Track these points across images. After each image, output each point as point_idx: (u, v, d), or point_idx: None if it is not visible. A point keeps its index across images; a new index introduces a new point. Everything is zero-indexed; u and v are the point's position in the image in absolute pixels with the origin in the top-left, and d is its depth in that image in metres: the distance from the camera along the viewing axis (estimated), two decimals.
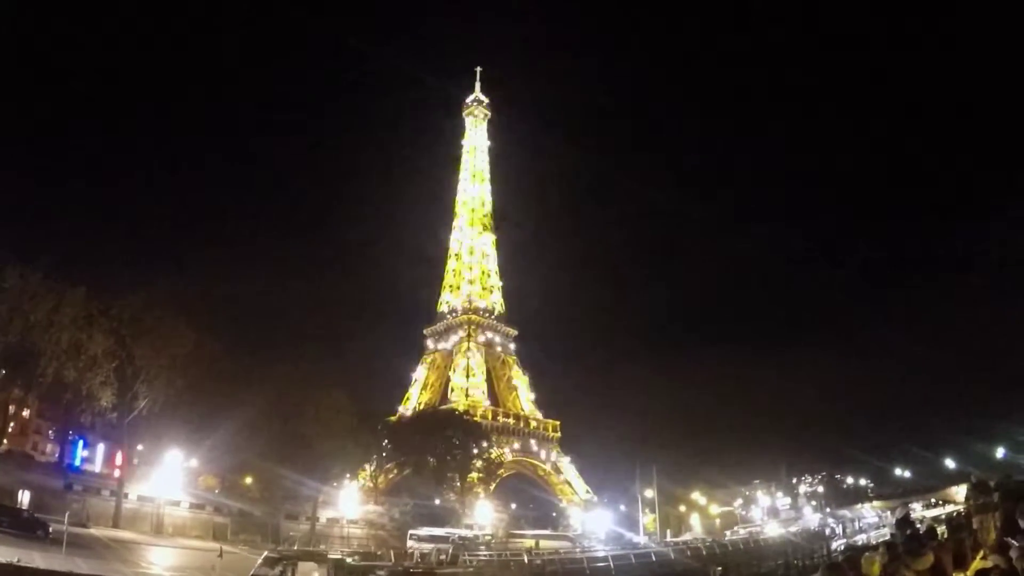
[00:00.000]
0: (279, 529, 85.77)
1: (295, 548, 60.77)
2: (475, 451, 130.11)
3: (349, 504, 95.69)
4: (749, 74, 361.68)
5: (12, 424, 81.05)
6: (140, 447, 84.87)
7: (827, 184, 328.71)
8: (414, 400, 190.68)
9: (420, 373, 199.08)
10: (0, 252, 67.73)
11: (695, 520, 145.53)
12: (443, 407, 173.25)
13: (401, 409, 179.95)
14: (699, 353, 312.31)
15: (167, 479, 77.83)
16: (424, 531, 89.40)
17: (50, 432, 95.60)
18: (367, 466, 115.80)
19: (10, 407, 75.83)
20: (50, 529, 52.83)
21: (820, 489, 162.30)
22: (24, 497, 65.38)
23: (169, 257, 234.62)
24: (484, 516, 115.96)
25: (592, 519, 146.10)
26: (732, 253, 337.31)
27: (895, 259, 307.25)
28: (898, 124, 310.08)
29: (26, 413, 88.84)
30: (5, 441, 76.63)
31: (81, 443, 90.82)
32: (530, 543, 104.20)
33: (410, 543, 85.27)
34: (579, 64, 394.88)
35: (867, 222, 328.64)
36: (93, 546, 55.22)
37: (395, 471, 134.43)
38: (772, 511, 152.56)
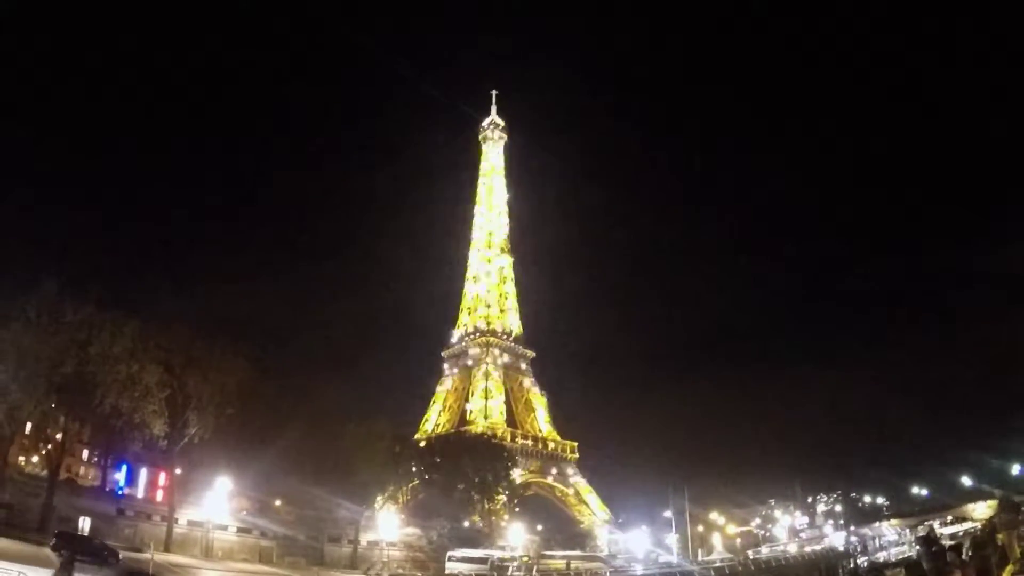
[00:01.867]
0: (323, 552, 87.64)
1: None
2: (502, 473, 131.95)
3: (388, 527, 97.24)
4: (756, 102, 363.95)
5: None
6: (183, 472, 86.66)
7: (831, 207, 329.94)
8: (433, 421, 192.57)
9: (439, 394, 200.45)
10: (51, 283, 70.23)
11: (716, 540, 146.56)
12: (466, 429, 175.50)
13: (423, 430, 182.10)
14: (714, 374, 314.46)
15: (215, 504, 79.58)
16: (461, 552, 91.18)
17: (92, 457, 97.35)
18: (399, 488, 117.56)
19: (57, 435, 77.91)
20: (120, 556, 54.59)
21: (838, 508, 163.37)
22: (85, 524, 67.04)
23: (201, 283, 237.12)
24: (516, 537, 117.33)
25: (622, 540, 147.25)
26: (745, 275, 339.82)
27: (903, 280, 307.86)
28: (901, 147, 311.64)
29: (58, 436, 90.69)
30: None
31: (125, 468, 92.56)
32: (561, 564, 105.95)
33: (449, 565, 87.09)
34: (592, 88, 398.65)
35: (869, 242, 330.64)
36: (159, 572, 57.01)
37: (421, 492, 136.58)
38: (793, 530, 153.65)
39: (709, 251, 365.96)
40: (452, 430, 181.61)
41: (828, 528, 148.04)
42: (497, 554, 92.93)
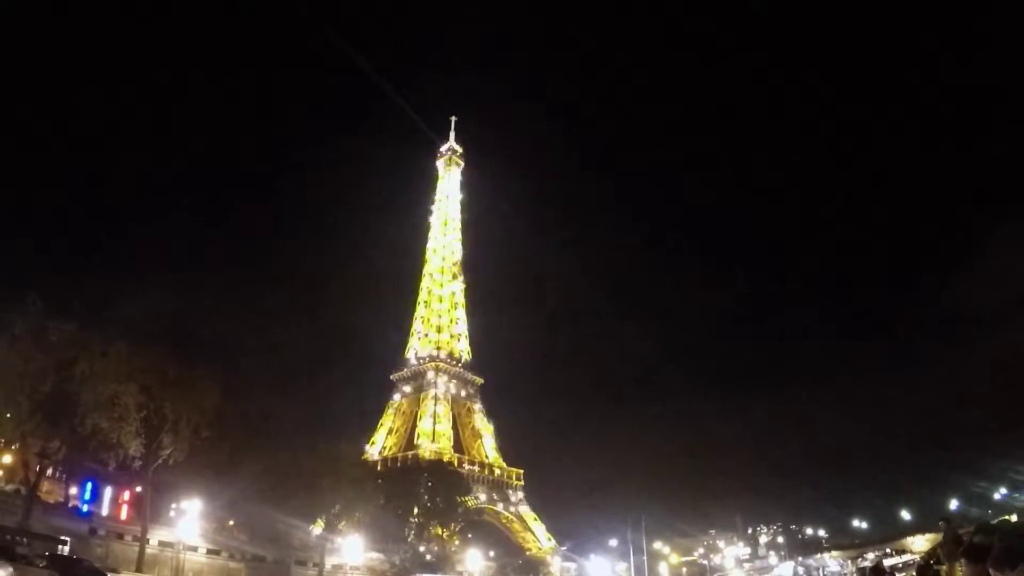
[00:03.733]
0: (289, 572, 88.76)
1: None
2: (456, 499, 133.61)
3: (352, 551, 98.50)
4: (722, 125, 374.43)
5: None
6: (153, 492, 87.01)
7: (790, 238, 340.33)
8: (380, 444, 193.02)
9: (387, 417, 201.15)
10: (36, 301, 70.83)
11: (663, 569, 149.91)
12: (413, 452, 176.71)
13: (369, 452, 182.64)
14: (657, 403, 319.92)
15: (185, 525, 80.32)
16: None
17: (56, 474, 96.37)
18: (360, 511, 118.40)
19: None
20: None
21: (779, 539, 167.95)
22: (65, 548, 66.88)
23: (166, 305, 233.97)
24: (472, 563, 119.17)
25: (574, 568, 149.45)
26: (697, 302, 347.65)
27: (860, 314, 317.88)
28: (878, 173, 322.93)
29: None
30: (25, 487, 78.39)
31: (90, 486, 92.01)
32: None
33: None
34: (549, 116, 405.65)
35: (820, 273, 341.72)
36: None
37: (378, 516, 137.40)
38: (738, 560, 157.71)
39: (661, 280, 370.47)
40: (399, 453, 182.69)
41: (773, 559, 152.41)
42: None
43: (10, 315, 69.32)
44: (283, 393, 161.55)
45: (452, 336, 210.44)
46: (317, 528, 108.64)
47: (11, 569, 29.62)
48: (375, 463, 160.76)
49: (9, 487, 79.16)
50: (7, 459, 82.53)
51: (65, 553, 63.30)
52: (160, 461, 76.95)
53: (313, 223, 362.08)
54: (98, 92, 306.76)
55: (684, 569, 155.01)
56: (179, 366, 78.67)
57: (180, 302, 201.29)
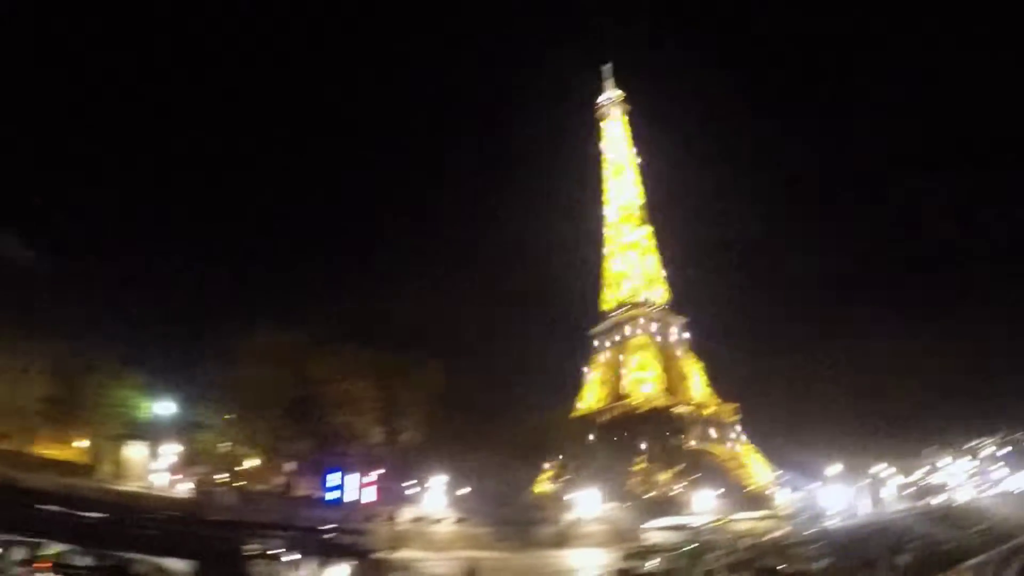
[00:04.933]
0: (532, 533, 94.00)
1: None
2: (672, 442, 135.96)
3: (586, 505, 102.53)
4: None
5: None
6: (397, 473, 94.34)
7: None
8: (590, 399, 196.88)
9: (593, 372, 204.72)
10: (265, 321, 79.25)
11: (886, 491, 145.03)
12: (624, 403, 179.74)
13: (582, 407, 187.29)
14: (868, 320, 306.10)
15: (431, 500, 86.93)
16: (657, 522, 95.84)
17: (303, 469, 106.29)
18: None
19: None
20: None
21: (1006, 450, 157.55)
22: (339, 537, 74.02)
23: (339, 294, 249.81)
24: (700, 504, 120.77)
25: (800, 497, 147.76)
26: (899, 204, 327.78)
27: None
28: None
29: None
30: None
31: (335, 476, 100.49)
32: (748, 526, 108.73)
33: (645, 535, 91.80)
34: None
35: None
36: (404, 566, 63.88)
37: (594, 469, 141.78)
38: (962, 476, 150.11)
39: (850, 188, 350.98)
40: (611, 405, 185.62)
41: (1002, 470, 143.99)
42: (692, 521, 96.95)
43: (246, 337, 77.78)
44: (490, 364, 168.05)
45: (646, 281, 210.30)
46: (544, 486, 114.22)
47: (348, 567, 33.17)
48: (590, 417, 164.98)
49: (260, 487, 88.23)
50: (263, 463, 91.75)
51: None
52: (400, 444, 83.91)
53: (482, 200, 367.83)
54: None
55: (909, 489, 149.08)
56: (403, 355, 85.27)
57: (379, 294, 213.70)
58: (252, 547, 29.66)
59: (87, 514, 32.69)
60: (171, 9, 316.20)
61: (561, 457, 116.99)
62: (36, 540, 29.95)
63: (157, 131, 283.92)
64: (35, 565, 29.98)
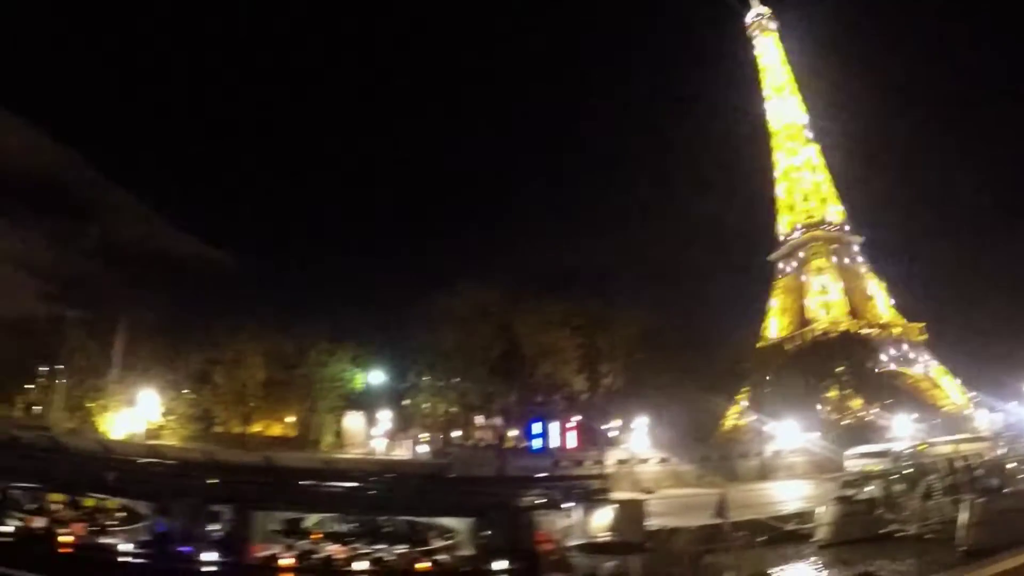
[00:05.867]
0: (734, 468, 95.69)
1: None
2: (865, 366, 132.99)
3: (786, 436, 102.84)
4: None
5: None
6: (599, 417, 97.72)
7: None
8: (774, 327, 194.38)
9: (774, 299, 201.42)
10: (468, 282, 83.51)
11: None
12: (808, 328, 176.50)
13: (767, 336, 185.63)
14: None
15: (635, 441, 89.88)
16: (859, 449, 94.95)
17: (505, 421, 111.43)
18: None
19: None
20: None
21: None
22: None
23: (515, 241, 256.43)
24: (901, 428, 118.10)
25: (1001, 419, 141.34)
26: None
27: None
28: None
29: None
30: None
31: (538, 426, 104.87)
32: (949, 449, 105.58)
33: (848, 463, 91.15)
34: None
35: None
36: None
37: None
38: None
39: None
40: (796, 332, 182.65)
41: None
42: (894, 447, 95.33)
43: (449, 299, 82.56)
44: (677, 301, 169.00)
45: (820, 201, 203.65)
46: (737, 420, 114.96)
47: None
48: (778, 345, 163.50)
49: (470, 443, 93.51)
50: (479, 420, 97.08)
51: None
52: (602, 389, 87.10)
53: (651, 137, 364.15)
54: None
55: None
56: (598, 302, 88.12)
57: (558, 246, 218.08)
58: (526, 499, 31.82)
59: (336, 484, 35.74)
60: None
61: (750, 389, 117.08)
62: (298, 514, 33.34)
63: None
64: (312, 536, 33.56)
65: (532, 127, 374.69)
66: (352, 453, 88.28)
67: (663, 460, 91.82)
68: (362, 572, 26.51)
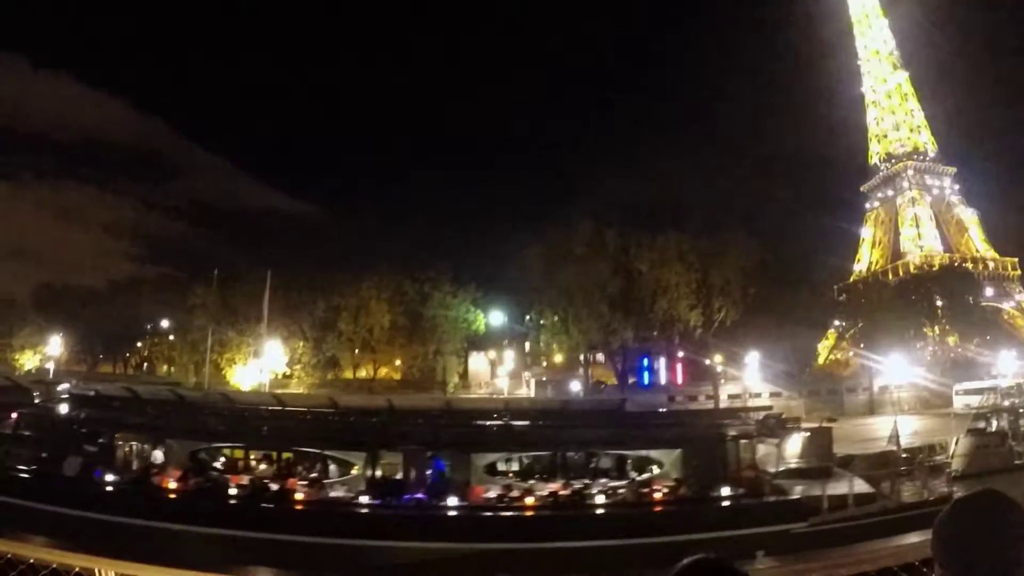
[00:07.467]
0: (843, 402, 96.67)
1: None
2: (965, 300, 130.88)
3: (893, 371, 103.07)
4: None
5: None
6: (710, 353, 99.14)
7: None
8: (866, 261, 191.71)
9: (867, 231, 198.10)
10: (587, 221, 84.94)
11: None
12: (901, 262, 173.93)
13: (858, 268, 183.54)
14: None
15: (748, 375, 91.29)
16: (966, 385, 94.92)
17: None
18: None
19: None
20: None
21: None
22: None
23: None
24: (1007, 365, 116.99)
25: None
26: None
27: None
28: None
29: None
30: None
31: (651, 360, 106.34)
32: None
33: (956, 399, 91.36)
34: None
35: None
36: None
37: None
38: None
39: None
40: (889, 265, 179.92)
41: None
42: (1002, 383, 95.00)
43: (568, 235, 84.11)
44: (775, 233, 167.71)
45: (912, 130, 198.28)
46: (835, 354, 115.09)
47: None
48: (873, 278, 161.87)
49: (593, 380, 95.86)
50: (599, 357, 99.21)
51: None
52: (716, 324, 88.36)
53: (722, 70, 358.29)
54: None
55: None
56: (710, 238, 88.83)
57: (663, 181, 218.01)
58: (725, 431, 33.28)
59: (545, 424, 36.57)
60: None
61: (844, 324, 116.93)
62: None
63: None
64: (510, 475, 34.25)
65: (632, 65, 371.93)
66: (477, 393, 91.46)
67: (774, 394, 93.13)
68: (599, 505, 28.01)
